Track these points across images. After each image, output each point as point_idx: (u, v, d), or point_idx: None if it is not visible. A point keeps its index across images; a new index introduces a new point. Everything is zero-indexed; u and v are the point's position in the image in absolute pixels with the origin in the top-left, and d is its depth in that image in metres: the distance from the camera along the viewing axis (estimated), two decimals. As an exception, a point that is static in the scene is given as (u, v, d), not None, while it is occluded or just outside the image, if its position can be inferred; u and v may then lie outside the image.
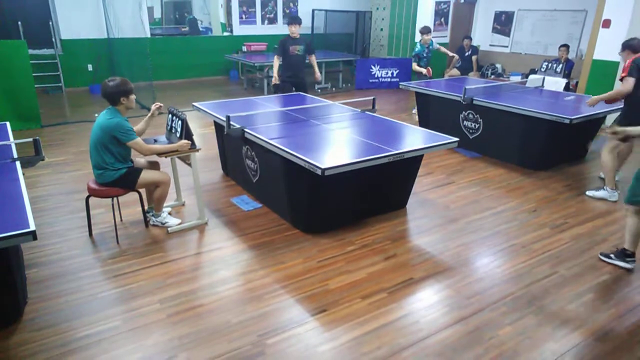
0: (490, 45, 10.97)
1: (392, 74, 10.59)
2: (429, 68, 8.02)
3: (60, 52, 9.50)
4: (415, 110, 8.68)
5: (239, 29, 11.67)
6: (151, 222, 4.09)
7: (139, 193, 3.85)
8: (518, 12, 10.32)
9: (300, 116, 4.81)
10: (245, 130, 4.18)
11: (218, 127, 5.12)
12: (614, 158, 4.73)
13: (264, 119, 4.71)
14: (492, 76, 10.36)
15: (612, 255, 3.61)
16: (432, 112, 6.79)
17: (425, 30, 7.90)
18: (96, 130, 3.61)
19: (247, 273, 3.45)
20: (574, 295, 3.22)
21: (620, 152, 4.85)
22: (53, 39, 9.21)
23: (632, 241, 3.49)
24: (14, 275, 2.79)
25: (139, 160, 4.00)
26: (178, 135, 3.88)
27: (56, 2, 9.31)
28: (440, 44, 10.57)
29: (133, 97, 3.70)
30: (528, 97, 6.17)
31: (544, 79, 7.11)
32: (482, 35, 11.06)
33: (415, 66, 7.99)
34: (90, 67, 9.93)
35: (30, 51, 7.07)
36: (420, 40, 7.96)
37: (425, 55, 8.02)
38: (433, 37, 10.39)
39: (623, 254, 3.54)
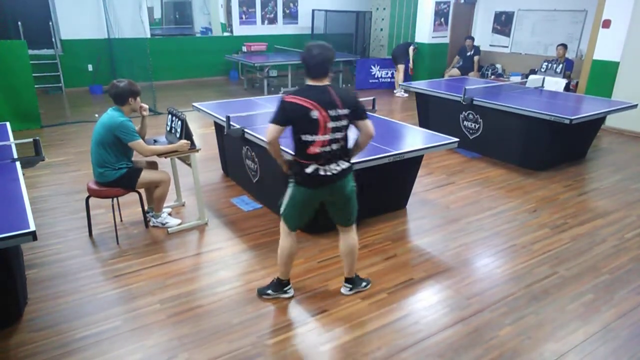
0: (490, 45, 10.95)
1: (392, 74, 10.58)
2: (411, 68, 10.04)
3: (61, 52, 9.50)
4: (400, 92, 9.84)
5: (239, 29, 11.66)
6: (151, 223, 4.09)
7: (139, 193, 3.85)
8: (518, 12, 10.31)
9: (300, 116, 4.80)
10: (245, 130, 4.18)
11: (218, 128, 5.11)
12: None
13: (264, 119, 4.68)
14: (492, 76, 10.35)
15: (269, 292, 3.15)
16: (432, 113, 6.79)
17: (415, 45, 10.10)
18: (99, 129, 3.62)
19: (247, 273, 3.44)
20: (574, 296, 3.22)
21: None
22: (53, 39, 9.20)
23: (283, 268, 3.08)
24: (14, 275, 2.79)
25: (137, 160, 4.00)
26: (178, 135, 3.88)
27: (56, 2, 9.30)
28: (441, 44, 10.63)
29: (139, 99, 3.76)
30: (528, 98, 6.17)
31: (544, 79, 7.11)
32: (482, 36, 11.04)
33: (412, 51, 9.90)
34: (90, 67, 9.93)
35: (30, 51, 7.07)
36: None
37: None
38: (433, 37, 10.45)
39: (280, 284, 3.14)
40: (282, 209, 2.94)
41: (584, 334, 2.84)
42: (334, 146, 2.72)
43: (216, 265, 3.54)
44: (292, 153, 2.83)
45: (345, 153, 2.82)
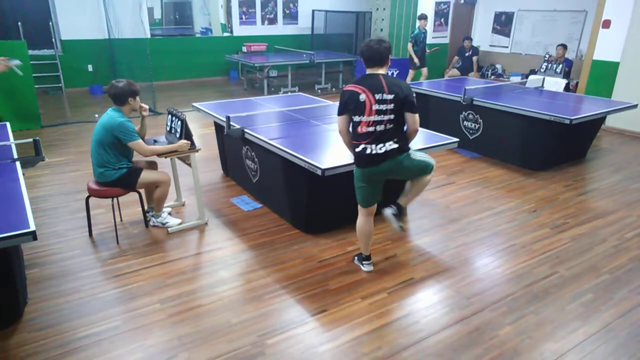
0: (490, 45, 10.97)
1: (392, 74, 10.53)
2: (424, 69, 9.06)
3: (61, 53, 9.50)
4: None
5: (239, 30, 11.67)
6: (151, 223, 4.09)
7: (139, 193, 3.85)
8: (518, 12, 10.32)
9: (300, 116, 4.81)
10: (245, 130, 4.18)
11: (218, 128, 5.12)
12: None
13: (264, 119, 4.71)
14: (492, 77, 10.36)
15: (355, 257, 3.57)
16: (432, 113, 6.79)
17: (422, 17, 8.85)
18: (99, 129, 3.62)
19: (247, 273, 3.45)
20: (574, 296, 3.22)
21: None
22: (53, 40, 9.20)
23: (360, 243, 3.44)
24: (14, 275, 2.79)
25: (137, 160, 4.00)
26: (178, 135, 3.88)
27: (56, 2, 9.30)
28: (441, 44, 10.64)
29: (139, 98, 3.76)
30: (528, 98, 6.17)
31: (543, 79, 7.11)
32: (482, 36, 11.06)
33: (410, 48, 8.96)
34: (90, 68, 9.93)
35: (30, 52, 7.08)
36: (419, 26, 8.81)
37: (421, 40, 8.82)
38: (433, 37, 10.43)
39: (361, 258, 3.50)
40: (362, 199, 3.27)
41: (584, 334, 2.84)
42: (379, 127, 2.98)
43: (216, 265, 3.54)
44: (352, 138, 3.13)
45: (394, 136, 3.03)
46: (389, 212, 3.34)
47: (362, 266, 3.47)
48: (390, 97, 2.93)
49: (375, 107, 2.93)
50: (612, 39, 7.21)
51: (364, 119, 2.96)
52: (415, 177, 3.27)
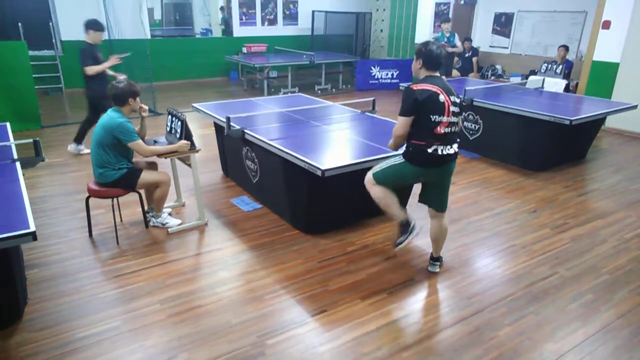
0: (490, 46, 10.98)
1: (392, 75, 10.60)
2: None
3: (61, 53, 9.51)
4: None
5: (238, 30, 11.68)
6: (151, 223, 4.09)
7: (139, 193, 3.85)
8: (518, 13, 10.34)
9: (300, 117, 4.82)
10: (245, 131, 4.18)
11: (218, 128, 5.12)
12: None
13: (264, 120, 4.71)
14: (492, 77, 10.37)
15: (401, 239, 3.26)
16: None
17: (445, 20, 8.90)
18: (99, 129, 3.63)
19: (247, 274, 3.45)
20: (573, 296, 3.22)
21: None
22: (53, 40, 9.21)
23: (392, 212, 3.28)
24: (14, 275, 2.79)
25: (137, 160, 4.01)
26: (178, 136, 3.88)
27: (56, 3, 9.31)
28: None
29: (139, 100, 3.78)
30: (528, 99, 6.18)
31: (543, 80, 7.11)
32: (482, 37, 11.07)
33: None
34: (90, 68, 9.92)
35: (31, 52, 7.08)
36: (442, 29, 8.87)
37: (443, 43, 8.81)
38: (434, 37, 10.44)
39: (405, 228, 3.26)
40: (376, 171, 3.23)
41: (584, 334, 2.84)
42: (453, 128, 3.06)
43: (216, 266, 3.54)
44: (412, 139, 3.05)
45: (457, 137, 3.14)
46: (437, 269, 3.49)
47: (410, 236, 3.22)
48: (459, 100, 3.07)
49: (452, 108, 3.00)
50: (612, 39, 7.21)
51: (445, 119, 2.97)
52: (440, 192, 3.26)
